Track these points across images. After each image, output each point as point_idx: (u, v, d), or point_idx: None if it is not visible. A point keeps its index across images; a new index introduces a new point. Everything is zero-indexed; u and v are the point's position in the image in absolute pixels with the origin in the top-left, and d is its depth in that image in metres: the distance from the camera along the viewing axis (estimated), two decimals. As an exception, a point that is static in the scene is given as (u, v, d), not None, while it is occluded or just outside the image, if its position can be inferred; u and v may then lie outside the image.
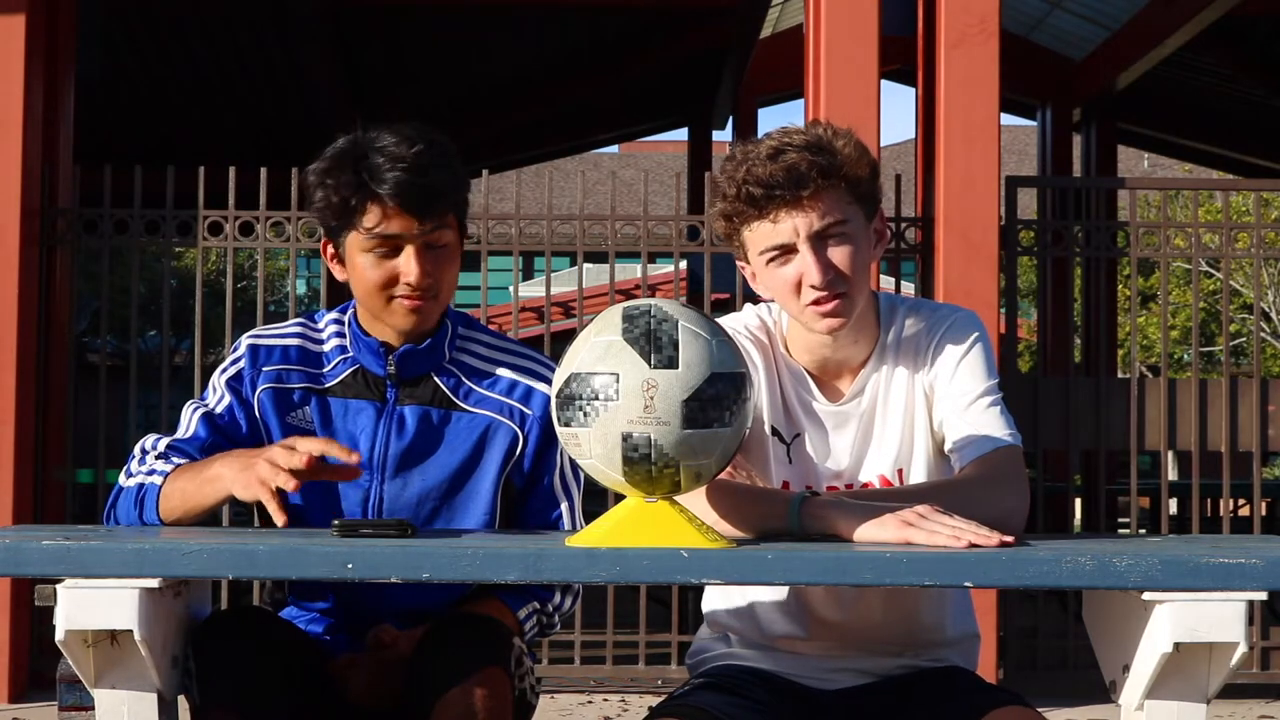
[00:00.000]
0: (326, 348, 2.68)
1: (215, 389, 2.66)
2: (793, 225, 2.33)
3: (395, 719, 2.51)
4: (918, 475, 2.45)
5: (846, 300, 2.36)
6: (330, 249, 2.62)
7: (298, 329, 2.69)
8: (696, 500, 2.26)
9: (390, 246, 2.54)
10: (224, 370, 2.66)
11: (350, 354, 2.66)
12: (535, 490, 2.68)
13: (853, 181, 2.36)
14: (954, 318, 2.48)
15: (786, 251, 2.36)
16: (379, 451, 2.61)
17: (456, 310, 2.72)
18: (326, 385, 2.64)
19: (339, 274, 2.63)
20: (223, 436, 2.60)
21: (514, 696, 2.40)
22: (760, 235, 2.36)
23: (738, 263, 2.49)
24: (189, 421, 2.63)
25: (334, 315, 2.72)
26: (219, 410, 2.63)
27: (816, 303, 2.36)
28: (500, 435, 2.63)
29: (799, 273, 2.35)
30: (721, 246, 6.48)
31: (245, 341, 2.67)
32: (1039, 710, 2.35)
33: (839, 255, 2.35)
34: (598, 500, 5.01)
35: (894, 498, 2.26)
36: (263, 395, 2.63)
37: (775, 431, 2.46)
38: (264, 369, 2.64)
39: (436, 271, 2.56)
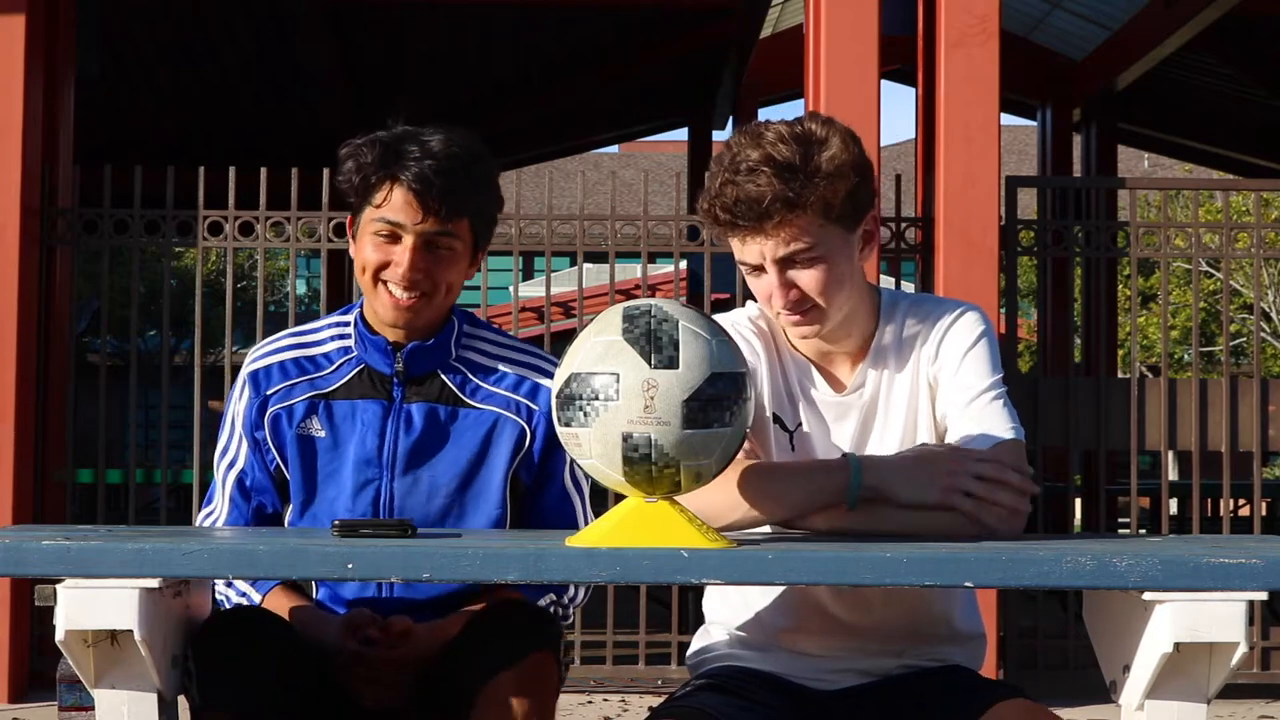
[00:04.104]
0: (326, 349, 2.70)
1: (233, 431, 2.69)
2: (759, 249, 2.35)
3: (400, 717, 2.51)
4: None
5: (816, 313, 2.39)
6: (351, 227, 2.67)
7: (289, 340, 2.72)
8: (725, 488, 2.24)
9: (392, 233, 2.57)
10: (233, 409, 2.69)
11: (355, 354, 2.68)
12: (549, 488, 2.70)
13: (825, 206, 2.32)
14: (959, 311, 2.49)
15: (757, 268, 2.38)
16: (388, 449, 2.62)
17: (462, 309, 2.74)
18: (331, 388, 2.66)
19: (352, 251, 2.66)
20: (258, 496, 2.68)
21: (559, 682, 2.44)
22: (735, 248, 2.40)
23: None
24: (225, 495, 2.69)
25: (335, 318, 2.76)
26: (243, 466, 2.68)
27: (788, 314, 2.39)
28: (507, 431, 2.65)
29: (769, 289, 2.38)
30: (721, 247, 6.48)
31: (246, 371, 2.69)
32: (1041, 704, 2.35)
33: (806, 278, 2.36)
34: (598, 500, 5.01)
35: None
36: (271, 419, 2.66)
37: (778, 419, 2.47)
38: (268, 393, 2.67)
39: (433, 270, 2.59)
